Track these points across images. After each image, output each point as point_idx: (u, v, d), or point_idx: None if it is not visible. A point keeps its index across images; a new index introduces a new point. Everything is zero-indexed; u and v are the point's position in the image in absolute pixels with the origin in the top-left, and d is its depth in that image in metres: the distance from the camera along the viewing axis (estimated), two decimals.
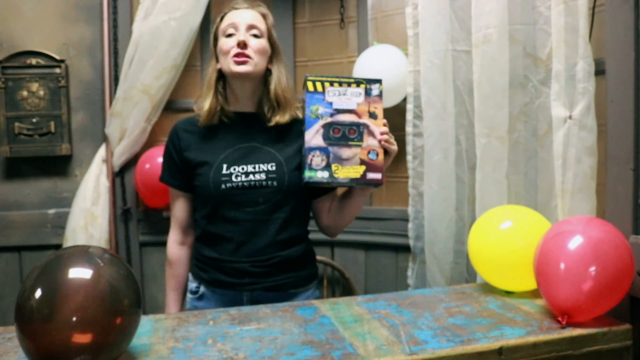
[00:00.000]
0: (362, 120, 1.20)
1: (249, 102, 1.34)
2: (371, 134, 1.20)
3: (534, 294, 1.23)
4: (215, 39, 1.35)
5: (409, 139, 1.85)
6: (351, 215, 1.38)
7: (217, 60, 1.33)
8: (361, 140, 1.19)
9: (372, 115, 1.20)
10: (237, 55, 1.26)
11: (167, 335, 1.03)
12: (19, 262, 2.12)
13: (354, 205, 1.35)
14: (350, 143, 1.19)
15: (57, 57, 2.09)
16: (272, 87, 1.31)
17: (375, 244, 2.10)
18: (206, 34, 2.19)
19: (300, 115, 1.33)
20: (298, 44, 2.20)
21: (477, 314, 1.12)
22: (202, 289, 1.35)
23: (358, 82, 1.20)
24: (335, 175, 1.18)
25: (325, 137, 1.19)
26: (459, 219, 1.72)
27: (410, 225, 1.89)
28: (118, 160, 2.10)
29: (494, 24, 1.45)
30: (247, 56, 1.27)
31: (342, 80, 1.21)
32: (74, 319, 0.79)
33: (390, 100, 1.89)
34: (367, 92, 1.20)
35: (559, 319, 1.02)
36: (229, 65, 1.27)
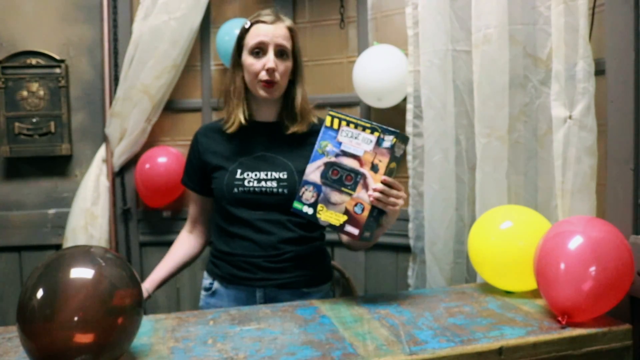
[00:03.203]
0: (362, 170, 1.12)
1: (269, 112, 1.39)
2: (366, 186, 1.12)
3: (534, 294, 1.23)
4: (240, 48, 1.35)
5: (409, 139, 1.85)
6: (357, 247, 1.43)
7: (242, 70, 1.35)
8: (354, 189, 1.13)
9: (374, 168, 1.11)
10: (265, 81, 1.30)
11: (167, 335, 1.03)
12: (19, 262, 2.13)
13: (355, 246, 1.39)
14: (342, 189, 1.13)
15: (57, 57, 2.09)
16: (297, 102, 1.36)
17: (375, 244, 2.08)
18: (206, 34, 2.19)
19: (315, 121, 1.40)
20: None
21: (477, 314, 1.12)
22: (215, 285, 1.39)
23: (373, 129, 1.12)
24: (318, 216, 1.15)
25: (323, 175, 1.15)
26: (459, 219, 1.72)
27: (410, 225, 1.89)
28: (118, 160, 2.10)
29: (494, 24, 1.45)
30: (276, 82, 1.30)
31: (359, 122, 1.13)
32: (76, 318, 0.79)
33: (390, 100, 1.89)
34: (378, 142, 1.11)
35: (559, 319, 1.03)
36: (256, 88, 1.32)
